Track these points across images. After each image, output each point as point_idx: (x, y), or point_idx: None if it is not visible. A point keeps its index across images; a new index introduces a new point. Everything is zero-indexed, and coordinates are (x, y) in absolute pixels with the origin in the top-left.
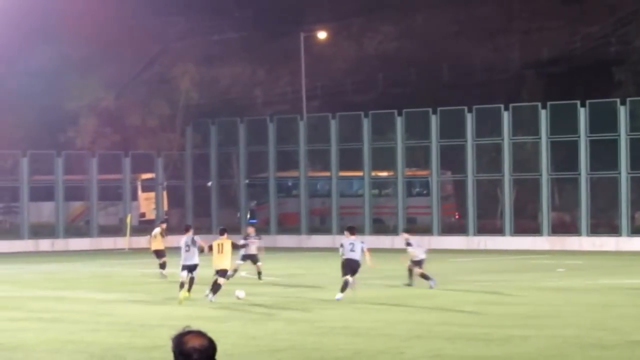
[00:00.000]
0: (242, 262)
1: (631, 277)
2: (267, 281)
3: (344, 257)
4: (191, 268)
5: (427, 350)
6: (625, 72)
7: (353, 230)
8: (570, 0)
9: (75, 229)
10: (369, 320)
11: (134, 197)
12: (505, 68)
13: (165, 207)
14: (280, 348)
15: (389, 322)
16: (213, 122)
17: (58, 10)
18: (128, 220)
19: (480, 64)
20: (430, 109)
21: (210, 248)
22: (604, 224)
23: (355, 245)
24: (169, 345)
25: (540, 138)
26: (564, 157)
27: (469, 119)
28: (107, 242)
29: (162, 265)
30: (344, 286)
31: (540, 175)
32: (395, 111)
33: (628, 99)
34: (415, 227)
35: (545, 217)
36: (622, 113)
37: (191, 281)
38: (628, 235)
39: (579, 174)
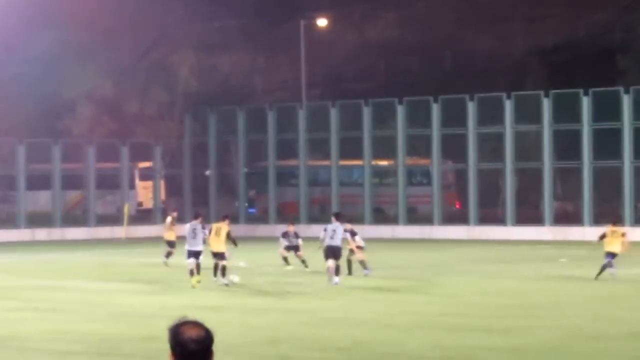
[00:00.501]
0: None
1: (635, 268)
2: (265, 271)
3: (325, 243)
4: (196, 254)
5: (428, 341)
6: (629, 60)
7: (338, 216)
8: None
9: (72, 218)
10: (369, 311)
11: (132, 185)
12: (508, 56)
13: (163, 196)
14: (279, 339)
15: (389, 312)
16: (212, 110)
17: None
18: (126, 209)
19: (482, 51)
20: (431, 98)
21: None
22: (608, 214)
23: (336, 232)
24: (166, 335)
25: (542, 127)
26: (567, 146)
27: (471, 108)
28: (105, 232)
29: (168, 255)
30: (337, 270)
31: (543, 164)
32: (397, 99)
33: (632, 88)
34: (417, 216)
35: (548, 206)
36: (626, 101)
37: (198, 266)
38: (632, 225)
39: (582, 163)
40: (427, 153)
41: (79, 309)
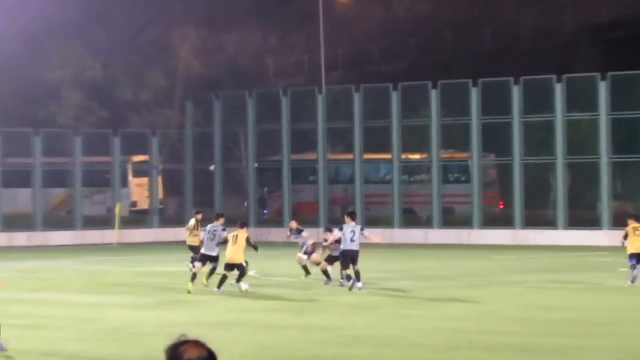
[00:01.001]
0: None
1: None
2: (279, 282)
3: (343, 247)
4: (211, 259)
5: None
6: None
7: (354, 216)
8: None
9: (56, 220)
10: (397, 328)
11: (124, 183)
12: (557, 33)
13: (161, 195)
14: (295, 359)
15: (421, 330)
16: (217, 96)
17: None
18: (117, 210)
19: (528, 28)
20: (470, 81)
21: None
22: None
23: (355, 234)
24: (163, 357)
25: (598, 115)
26: (627, 136)
27: (515, 93)
28: (93, 236)
29: (194, 260)
30: (357, 275)
31: (599, 158)
32: (430, 83)
33: None
34: (453, 218)
35: (605, 207)
36: None
37: (212, 271)
38: None
39: None
40: (465, 145)
41: (66, 325)
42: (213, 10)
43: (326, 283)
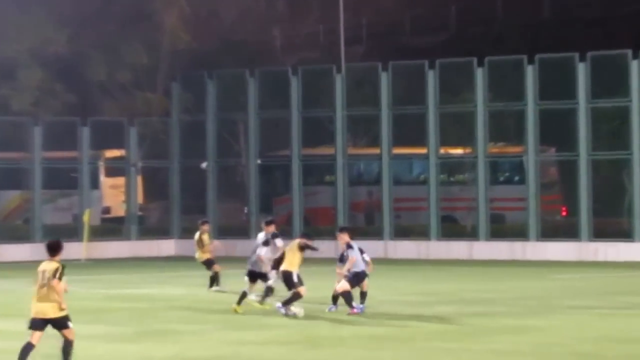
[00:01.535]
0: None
1: None
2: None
3: (358, 269)
4: (259, 276)
5: None
6: None
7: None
8: None
9: (9, 231)
10: None
11: (95, 184)
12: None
13: (140, 199)
14: None
15: None
16: (211, 76)
17: None
18: (86, 218)
19: None
20: (525, 57)
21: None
22: None
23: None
24: None
25: None
26: None
27: (581, 71)
28: None
29: (214, 279)
30: (363, 296)
31: None
32: (475, 59)
33: None
34: (504, 227)
35: None
36: None
37: (268, 291)
38: None
39: None
40: (518, 137)
41: None
42: None
43: (331, 310)
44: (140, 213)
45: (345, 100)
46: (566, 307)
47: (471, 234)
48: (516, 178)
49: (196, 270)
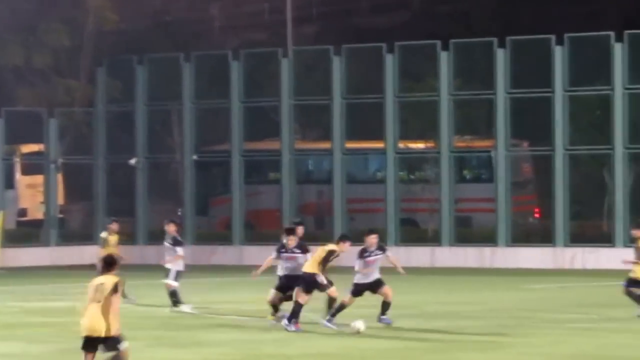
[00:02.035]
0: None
1: None
2: (233, 322)
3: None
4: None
5: None
6: None
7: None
8: None
9: None
10: None
11: (9, 183)
12: None
13: (61, 200)
14: None
15: None
16: (141, 61)
17: None
18: None
19: None
20: (495, 39)
21: None
22: None
23: None
24: None
25: None
26: None
27: (559, 55)
28: None
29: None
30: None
31: None
32: (439, 42)
33: None
34: (470, 232)
35: None
36: None
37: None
38: None
39: None
40: (488, 130)
41: None
42: None
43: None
44: (60, 216)
45: (292, 88)
46: (542, 321)
47: (434, 239)
48: (484, 176)
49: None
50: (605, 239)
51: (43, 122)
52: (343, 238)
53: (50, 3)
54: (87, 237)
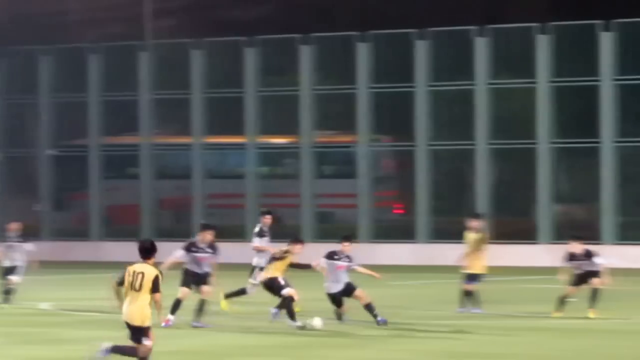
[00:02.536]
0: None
1: None
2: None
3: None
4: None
5: None
6: None
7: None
8: None
9: None
10: None
11: None
12: None
13: None
14: None
15: None
16: None
17: None
18: None
19: None
20: (356, 34)
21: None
22: None
23: None
24: None
25: (536, 82)
26: (571, 115)
27: (421, 48)
28: None
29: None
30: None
31: (537, 143)
32: (300, 36)
33: None
34: (332, 227)
35: (546, 212)
36: None
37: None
38: None
39: (601, 142)
40: (349, 125)
41: None
42: None
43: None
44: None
45: (152, 82)
46: (401, 317)
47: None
48: (346, 171)
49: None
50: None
51: None
52: (295, 240)
53: None
54: None
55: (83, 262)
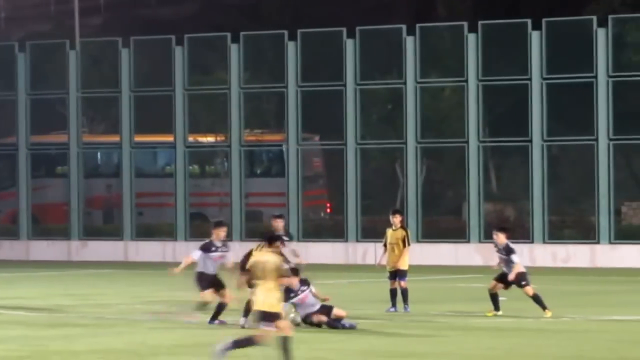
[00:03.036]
0: None
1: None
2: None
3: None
4: None
5: None
6: None
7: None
8: None
9: None
10: None
11: None
12: None
13: None
14: None
15: None
16: None
17: None
18: None
19: None
20: (285, 32)
21: None
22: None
23: None
24: None
25: (466, 80)
26: (501, 114)
27: (350, 47)
28: None
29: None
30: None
31: (466, 141)
32: (229, 34)
33: None
34: (262, 226)
35: (476, 211)
36: None
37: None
38: None
39: (531, 141)
40: (279, 123)
41: None
42: None
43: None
44: None
45: (80, 80)
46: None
47: None
48: (275, 170)
49: None
50: None
51: None
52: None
53: None
54: None
55: (11, 260)
